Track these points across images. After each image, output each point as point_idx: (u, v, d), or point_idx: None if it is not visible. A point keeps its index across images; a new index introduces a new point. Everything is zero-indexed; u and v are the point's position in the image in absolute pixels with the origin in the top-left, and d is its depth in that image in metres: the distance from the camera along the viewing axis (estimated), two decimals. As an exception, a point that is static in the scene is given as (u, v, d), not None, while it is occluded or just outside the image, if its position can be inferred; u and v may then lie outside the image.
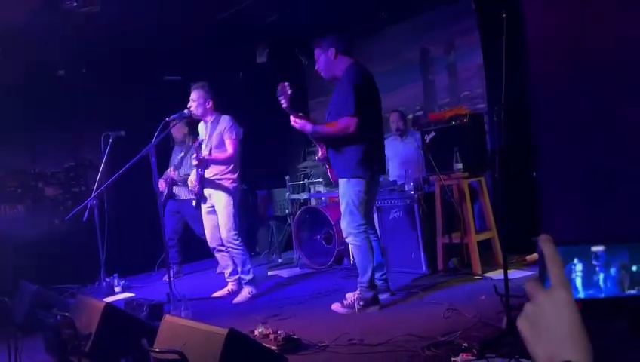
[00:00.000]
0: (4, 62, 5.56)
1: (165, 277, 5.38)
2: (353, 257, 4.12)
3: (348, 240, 3.96)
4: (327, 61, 3.99)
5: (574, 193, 3.27)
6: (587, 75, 3.05)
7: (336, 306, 3.88)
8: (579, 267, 0.89)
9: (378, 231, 5.02)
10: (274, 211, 7.15)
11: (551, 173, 3.42)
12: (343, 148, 3.87)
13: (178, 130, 5.95)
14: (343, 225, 3.93)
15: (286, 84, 3.78)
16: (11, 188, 6.49)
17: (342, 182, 3.92)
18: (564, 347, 0.68)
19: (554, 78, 3.26)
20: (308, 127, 3.86)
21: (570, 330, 0.69)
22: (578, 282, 0.90)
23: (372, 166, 3.88)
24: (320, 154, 4.11)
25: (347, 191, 3.87)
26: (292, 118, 3.89)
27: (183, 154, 5.98)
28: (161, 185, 6.15)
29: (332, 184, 4.71)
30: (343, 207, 3.93)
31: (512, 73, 3.10)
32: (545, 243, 0.75)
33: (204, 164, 4.62)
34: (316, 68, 4.08)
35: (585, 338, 0.69)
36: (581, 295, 0.90)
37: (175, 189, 6.18)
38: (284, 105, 3.81)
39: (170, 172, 5.96)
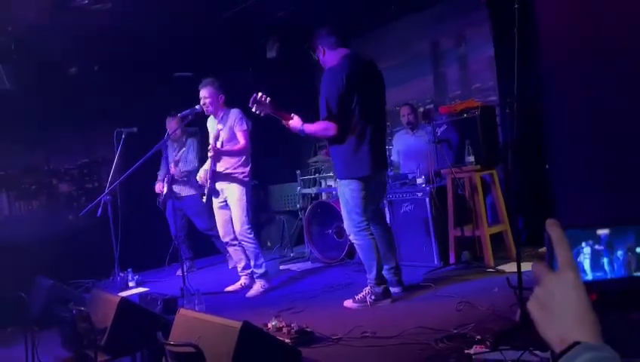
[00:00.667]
0: (17, 61, 5.62)
1: (179, 272, 5.44)
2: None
3: (350, 238, 4.00)
4: (321, 59, 3.96)
5: (587, 185, 3.25)
6: (600, 64, 3.02)
7: (348, 303, 3.89)
8: (587, 250, 0.90)
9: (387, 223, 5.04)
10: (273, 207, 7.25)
11: (563, 165, 3.40)
12: (334, 148, 3.86)
13: (172, 126, 5.98)
14: (345, 224, 3.96)
15: (260, 93, 3.65)
16: (26, 186, 6.58)
17: (338, 182, 3.96)
18: (574, 328, 0.69)
19: (566, 68, 3.23)
20: (297, 126, 3.78)
21: (579, 311, 0.70)
22: (586, 265, 0.90)
23: (364, 164, 3.76)
24: (326, 150, 4.13)
25: (342, 191, 3.89)
26: (283, 121, 3.80)
27: (184, 149, 6.01)
28: (159, 187, 6.17)
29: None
30: (341, 207, 3.95)
31: (524, 65, 3.08)
32: (552, 226, 0.76)
33: (218, 156, 4.63)
34: None
35: (594, 318, 0.70)
36: (589, 277, 0.91)
37: (174, 188, 6.15)
38: (263, 114, 3.69)
39: (171, 168, 5.97)
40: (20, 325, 4.21)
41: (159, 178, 6.25)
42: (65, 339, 4.24)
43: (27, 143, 6.44)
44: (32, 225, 6.37)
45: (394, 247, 4.15)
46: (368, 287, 3.87)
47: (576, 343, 0.67)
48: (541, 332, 0.73)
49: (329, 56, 3.90)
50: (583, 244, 0.90)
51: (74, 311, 3.24)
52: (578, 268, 0.74)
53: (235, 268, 6.13)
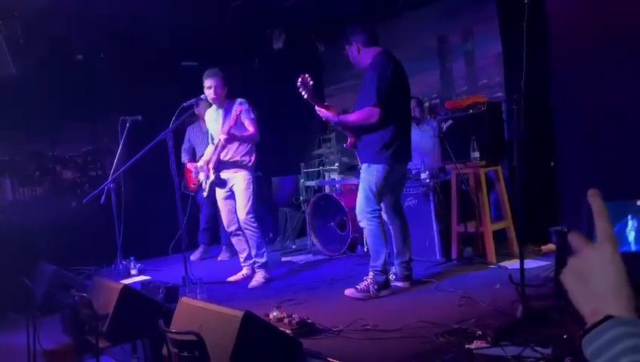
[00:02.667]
0: (24, 47, 5.61)
1: (192, 256, 5.38)
2: (367, 243, 4.12)
3: (361, 224, 4.00)
4: (353, 55, 4.05)
5: (593, 185, 3.23)
6: (612, 64, 3.00)
7: (350, 291, 3.90)
8: (633, 223, 0.88)
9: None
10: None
11: (570, 163, 3.38)
12: (367, 135, 3.91)
13: (202, 109, 5.95)
14: (358, 209, 3.96)
15: (307, 75, 3.77)
16: (30, 171, 6.59)
17: (363, 167, 3.97)
18: (608, 301, 0.69)
19: (577, 67, 3.21)
20: (334, 117, 3.91)
21: (614, 285, 0.69)
22: (631, 237, 0.88)
23: (393, 153, 3.87)
24: (349, 141, 4.13)
25: (366, 176, 3.92)
26: (317, 108, 3.92)
27: None
28: (193, 167, 6.08)
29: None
30: (359, 192, 3.97)
31: (532, 61, 3.06)
32: (593, 197, 0.75)
33: (232, 141, 4.60)
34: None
35: (630, 293, 0.69)
36: (633, 248, 0.89)
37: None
38: (306, 97, 3.80)
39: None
40: (22, 310, 4.24)
41: (185, 160, 6.23)
42: (66, 325, 4.25)
43: (32, 129, 6.44)
44: (35, 211, 6.39)
45: (409, 242, 4.15)
46: (371, 276, 3.87)
47: (609, 317, 0.67)
48: (574, 302, 0.72)
49: (364, 54, 3.98)
50: (629, 217, 0.89)
51: (76, 297, 3.26)
52: (617, 241, 0.73)
53: (224, 260, 6.16)
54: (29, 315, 3.92)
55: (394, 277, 4.10)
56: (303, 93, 3.78)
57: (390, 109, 3.82)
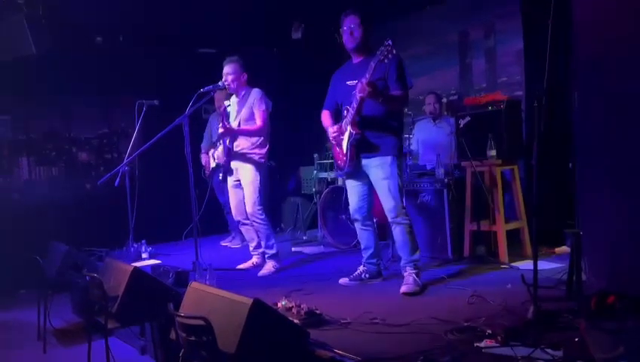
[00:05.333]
0: (44, 27, 5.64)
1: (223, 242, 5.32)
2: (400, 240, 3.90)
3: (397, 220, 3.85)
4: (366, 37, 3.90)
5: (612, 189, 3.16)
6: (638, 62, 2.93)
7: (406, 288, 3.73)
8: None
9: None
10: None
11: (589, 165, 3.31)
12: (394, 123, 3.86)
13: (220, 99, 5.95)
14: (392, 206, 3.81)
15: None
16: (46, 151, 6.65)
17: (385, 160, 3.80)
18: None
19: (602, 65, 3.13)
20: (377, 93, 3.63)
21: None
22: None
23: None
24: (333, 132, 3.98)
25: (393, 170, 3.81)
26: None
27: None
28: (205, 159, 6.15)
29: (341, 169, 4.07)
30: (388, 187, 3.79)
31: (554, 60, 3.00)
32: None
33: (230, 133, 4.61)
34: (350, 34, 3.87)
35: None
36: None
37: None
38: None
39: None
40: (33, 288, 4.28)
41: (203, 150, 6.26)
42: (76, 305, 4.29)
43: (50, 109, 6.50)
44: (50, 190, 6.45)
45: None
46: (413, 270, 3.82)
47: None
48: None
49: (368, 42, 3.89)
50: None
51: (87, 278, 3.27)
52: None
53: (235, 247, 6.15)
54: (41, 293, 3.97)
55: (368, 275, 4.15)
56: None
57: None
